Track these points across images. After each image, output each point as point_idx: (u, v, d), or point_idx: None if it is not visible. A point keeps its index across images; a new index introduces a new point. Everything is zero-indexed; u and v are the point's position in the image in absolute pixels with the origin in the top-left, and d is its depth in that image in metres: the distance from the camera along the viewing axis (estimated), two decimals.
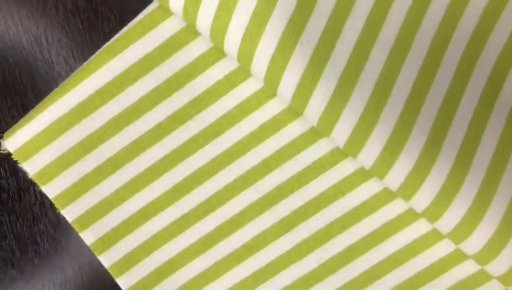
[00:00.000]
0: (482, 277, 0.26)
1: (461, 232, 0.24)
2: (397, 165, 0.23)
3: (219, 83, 0.26)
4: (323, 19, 0.22)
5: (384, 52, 0.23)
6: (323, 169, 0.26)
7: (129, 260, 0.26)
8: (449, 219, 0.24)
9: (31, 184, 0.28)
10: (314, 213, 0.26)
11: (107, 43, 0.25)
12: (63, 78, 0.27)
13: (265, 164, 0.26)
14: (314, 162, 0.26)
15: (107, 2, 0.27)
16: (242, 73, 0.26)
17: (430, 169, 0.23)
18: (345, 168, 0.26)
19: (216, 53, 0.25)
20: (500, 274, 0.25)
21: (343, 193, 0.26)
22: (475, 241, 0.24)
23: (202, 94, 0.26)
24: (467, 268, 0.26)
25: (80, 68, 0.25)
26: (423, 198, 0.24)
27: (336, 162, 0.26)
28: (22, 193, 0.28)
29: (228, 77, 0.26)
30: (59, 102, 0.25)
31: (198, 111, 0.26)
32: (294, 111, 0.25)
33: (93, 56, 0.25)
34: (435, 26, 0.23)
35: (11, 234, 0.28)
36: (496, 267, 0.24)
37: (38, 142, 0.25)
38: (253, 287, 0.27)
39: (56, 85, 0.26)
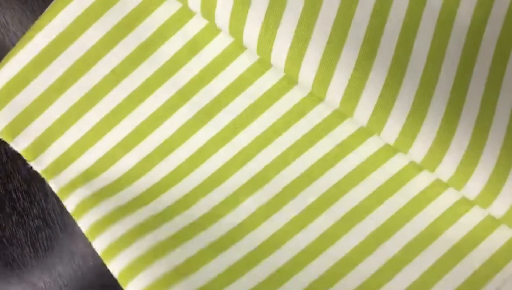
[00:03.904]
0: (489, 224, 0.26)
1: (459, 178, 0.24)
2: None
3: (167, 23, 0.27)
4: None
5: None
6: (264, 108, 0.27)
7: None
8: (446, 167, 0.24)
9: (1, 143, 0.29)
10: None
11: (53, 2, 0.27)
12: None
13: (219, 99, 0.27)
14: (264, 94, 0.27)
15: None
16: (189, 11, 0.27)
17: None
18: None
19: None
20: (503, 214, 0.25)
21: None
22: (474, 185, 0.24)
23: (152, 36, 0.27)
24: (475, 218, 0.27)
25: (32, 25, 0.27)
26: (417, 150, 0.24)
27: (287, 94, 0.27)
28: None
29: (174, 17, 0.27)
30: (13, 60, 0.27)
31: (150, 53, 0.27)
32: (240, 44, 0.27)
33: (44, 12, 0.27)
34: None
35: None
36: (498, 207, 0.25)
37: None
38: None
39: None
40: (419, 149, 0.24)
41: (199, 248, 0.26)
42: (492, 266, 0.26)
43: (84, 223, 0.25)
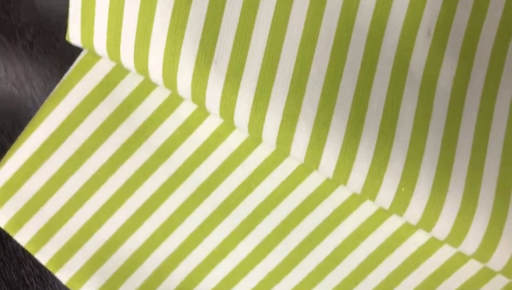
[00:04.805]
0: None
1: (455, 236, 0.25)
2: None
3: (159, 109, 0.28)
4: (231, 35, 0.24)
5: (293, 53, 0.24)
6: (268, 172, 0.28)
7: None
8: (441, 227, 0.25)
9: None
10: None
11: (50, 94, 0.27)
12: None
13: (215, 176, 0.28)
14: (259, 166, 0.28)
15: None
16: (178, 96, 0.27)
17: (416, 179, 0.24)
18: (285, 169, 0.28)
19: (151, 82, 0.27)
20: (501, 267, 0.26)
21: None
22: (471, 241, 0.25)
23: (145, 122, 0.28)
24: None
25: (31, 120, 0.28)
26: (413, 212, 0.25)
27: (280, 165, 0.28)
28: (4, 241, 0.30)
29: (166, 102, 0.28)
30: (14, 156, 0.27)
31: (145, 139, 0.28)
32: (229, 124, 0.27)
33: (41, 107, 0.28)
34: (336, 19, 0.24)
35: (1, 279, 0.30)
36: (496, 261, 0.25)
37: (3, 196, 0.28)
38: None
39: None
40: (414, 212, 0.25)
41: None
42: None
43: None
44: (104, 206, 0.28)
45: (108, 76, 0.27)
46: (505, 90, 0.25)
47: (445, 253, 0.28)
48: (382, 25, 0.24)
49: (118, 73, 0.27)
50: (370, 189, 0.25)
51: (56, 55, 0.29)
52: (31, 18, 0.29)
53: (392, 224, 0.28)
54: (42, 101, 0.29)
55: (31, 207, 0.28)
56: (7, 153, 0.28)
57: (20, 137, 0.28)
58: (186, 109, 0.28)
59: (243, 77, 0.24)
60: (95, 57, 0.27)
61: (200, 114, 0.28)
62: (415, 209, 0.25)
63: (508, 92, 0.25)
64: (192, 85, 0.24)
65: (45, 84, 0.29)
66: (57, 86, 0.27)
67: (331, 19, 0.24)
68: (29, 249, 0.28)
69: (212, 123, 0.28)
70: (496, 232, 0.25)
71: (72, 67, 0.27)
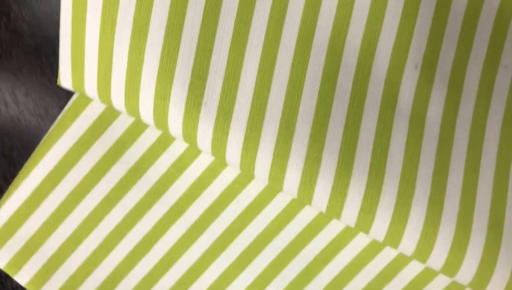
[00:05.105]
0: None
1: (450, 267, 0.25)
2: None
3: (153, 147, 0.28)
4: (220, 78, 0.24)
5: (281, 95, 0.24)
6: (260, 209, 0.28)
7: None
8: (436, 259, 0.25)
9: None
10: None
11: (45, 136, 0.28)
12: None
13: (211, 211, 0.28)
14: (254, 200, 0.28)
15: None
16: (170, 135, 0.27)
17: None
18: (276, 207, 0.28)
19: (143, 122, 0.27)
20: None
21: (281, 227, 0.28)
22: (466, 272, 0.25)
23: (139, 160, 0.28)
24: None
25: (26, 162, 0.28)
26: (407, 245, 0.25)
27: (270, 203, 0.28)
28: (4, 280, 0.30)
29: (159, 140, 0.28)
30: (11, 198, 0.28)
31: (140, 177, 0.28)
32: (221, 162, 0.27)
33: (37, 148, 0.28)
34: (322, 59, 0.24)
35: None
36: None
37: (1, 238, 0.28)
38: None
39: None
40: (407, 245, 0.25)
41: None
42: None
43: None
44: (101, 245, 0.28)
45: (101, 117, 0.28)
46: (494, 120, 0.26)
47: (442, 282, 0.28)
48: (369, 62, 0.24)
49: (110, 114, 0.28)
50: (363, 223, 0.25)
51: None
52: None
53: (389, 254, 0.28)
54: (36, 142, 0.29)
55: (30, 248, 0.28)
56: (4, 195, 0.28)
57: (16, 179, 0.28)
58: (179, 146, 0.28)
59: (233, 118, 0.24)
60: (88, 99, 0.28)
61: (194, 150, 0.28)
62: (409, 242, 0.25)
63: (497, 122, 0.26)
64: (183, 127, 0.24)
65: (39, 124, 0.30)
66: (51, 128, 0.28)
67: (318, 58, 0.24)
68: (29, 289, 0.28)
69: (206, 159, 0.28)
70: (491, 262, 0.25)
71: (65, 109, 0.28)
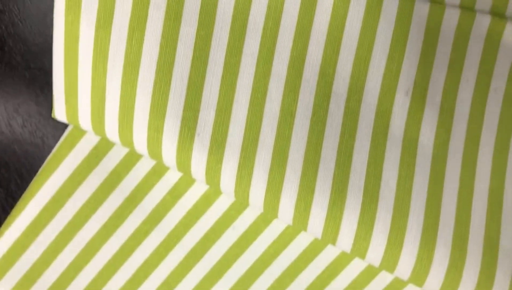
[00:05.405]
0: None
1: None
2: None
3: (148, 175, 0.28)
4: (212, 109, 0.24)
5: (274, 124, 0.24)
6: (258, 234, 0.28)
7: None
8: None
9: None
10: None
11: (41, 167, 0.28)
12: None
13: (207, 238, 0.28)
14: (250, 227, 0.28)
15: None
16: None
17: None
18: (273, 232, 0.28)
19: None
20: None
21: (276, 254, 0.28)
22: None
23: (135, 189, 0.28)
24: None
25: (23, 194, 0.28)
26: (403, 270, 0.25)
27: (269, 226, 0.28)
28: None
29: (154, 169, 0.28)
30: (9, 230, 0.28)
31: (135, 206, 0.28)
32: (216, 191, 0.28)
33: (33, 180, 0.28)
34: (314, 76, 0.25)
35: None
36: None
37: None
38: None
39: None
40: (403, 270, 0.25)
41: None
42: None
43: None
44: (100, 273, 0.28)
45: (96, 148, 0.28)
46: (486, 144, 0.26)
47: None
48: (360, 89, 0.25)
49: (106, 145, 0.28)
50: (359, 249, 0.25)
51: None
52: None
53: (385, 278, 0.28)
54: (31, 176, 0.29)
55: (30, 278, 0.28)
56: (2, 226, 0.28)
57: (14, 210, 0.28)
58: (174, 174, 0.28)
59: (226, 147, 0.24)
60: (83, 130, 0.28)
61: (188, 179, 0.28)
62: (404, 267, 0.25)
63: (490, 146, 0.26)
64: (177, 158, 0.25)
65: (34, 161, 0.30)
66: (48, 159, 0.28)
67: (309, 86, 0.24)
68: None
69: (201, 186, 0.28)
70: (487, 284, 0.25)
71: (61, 140, 0.28)
